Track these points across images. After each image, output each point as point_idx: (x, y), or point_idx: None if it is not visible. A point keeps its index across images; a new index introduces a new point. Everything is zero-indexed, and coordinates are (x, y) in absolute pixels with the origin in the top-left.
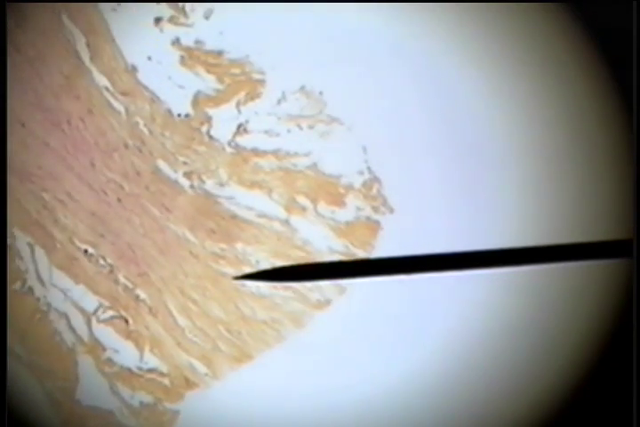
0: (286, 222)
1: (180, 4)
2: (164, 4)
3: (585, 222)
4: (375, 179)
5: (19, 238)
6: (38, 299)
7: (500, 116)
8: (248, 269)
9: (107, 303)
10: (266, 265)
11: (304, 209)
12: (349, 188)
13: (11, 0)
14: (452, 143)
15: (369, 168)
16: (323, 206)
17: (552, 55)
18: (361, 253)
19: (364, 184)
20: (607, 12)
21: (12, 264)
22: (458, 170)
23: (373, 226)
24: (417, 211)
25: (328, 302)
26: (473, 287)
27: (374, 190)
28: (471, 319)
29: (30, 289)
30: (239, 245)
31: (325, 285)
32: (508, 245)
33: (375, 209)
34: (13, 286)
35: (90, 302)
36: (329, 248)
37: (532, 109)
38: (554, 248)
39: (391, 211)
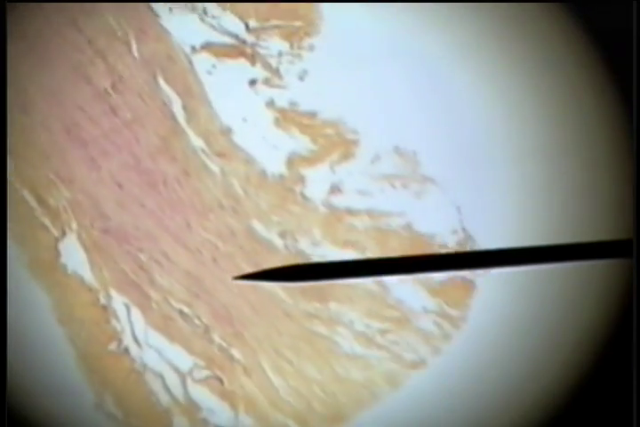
0: (380, 282)
1: (275, 65)
2: (258, 66)
3: (585, 222)
4: (469, 238)
5: (115, 299)
6: (134, 359)
7: (499, 117)
8: (342, 329)
9: (202, 363)
10: (360, 325)
11: None
12: (443, 247)
13: (11, 0)
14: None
15: (463, 228)
16: None
17: (552, 55)
18: (455, 313)
19: (459, 243)
20: (607, 12)
21: (109, 325)
22: (462, 168)
23: (468, 286)
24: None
25: (423, 362)
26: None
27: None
28: (471, 319)
29: (126, 350)
30: (332, 305)
31: (421, 345)
32: (508, 245)
33: None
34: (109, 347)
35: (185, 361)
36: (423, 308)
37: (532, 109)
38: (554, 248)
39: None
